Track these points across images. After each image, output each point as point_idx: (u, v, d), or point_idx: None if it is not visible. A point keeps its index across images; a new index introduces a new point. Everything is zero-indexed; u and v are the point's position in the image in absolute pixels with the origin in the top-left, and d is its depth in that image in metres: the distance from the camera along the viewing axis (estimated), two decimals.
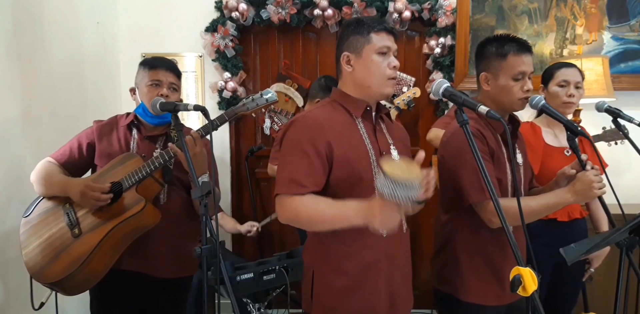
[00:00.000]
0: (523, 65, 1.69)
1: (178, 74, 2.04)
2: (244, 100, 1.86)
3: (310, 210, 1.44)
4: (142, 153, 1.99)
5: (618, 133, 2.83)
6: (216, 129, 1.84)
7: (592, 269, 2.28)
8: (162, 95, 1.93)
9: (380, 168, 1.28)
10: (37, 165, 2.03)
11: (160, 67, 1.98)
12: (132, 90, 2.07)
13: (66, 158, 2.02)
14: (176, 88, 2.01)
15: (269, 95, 1.82)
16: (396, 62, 1.55)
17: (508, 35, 1.76)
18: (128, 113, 2.09)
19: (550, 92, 2.24)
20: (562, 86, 2.21)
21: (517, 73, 1.69)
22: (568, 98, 2.21)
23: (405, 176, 1.21)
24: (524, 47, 1.72)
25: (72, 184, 1.92)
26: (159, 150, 1.99)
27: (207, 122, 1.64)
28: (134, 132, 2.03)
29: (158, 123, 2.01)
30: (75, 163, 2.03)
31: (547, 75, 2.27)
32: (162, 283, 2.00)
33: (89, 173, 2.09)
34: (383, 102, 1.78)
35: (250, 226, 2.98)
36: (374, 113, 1.62)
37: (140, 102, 2.02)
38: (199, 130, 1.86)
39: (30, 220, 1.99)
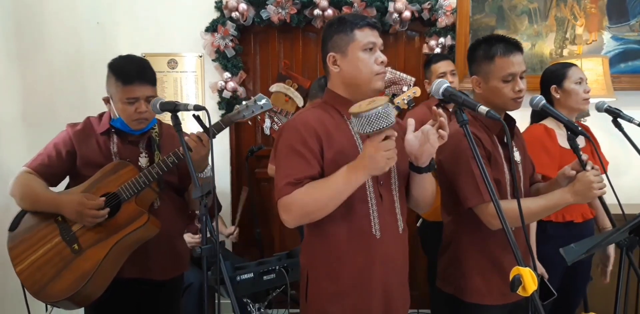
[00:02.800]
0: (512, 67, 1.67)
1: (153, 82, 1.90)
2: (239, 107, 1.82)
3: (312, 192, 1.41)
4: (125, 158, 1.92)
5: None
6: (214, 137, 1.78)
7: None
8: (140, 112, 1.86)
9: (349, 114, 1.35)
10: (16, 177, 1.90)
11: (135, 81, 1.84)
12: (107, 100, 1.95)
13: (45, 168, 1.90)
14: (151, 99, 1.86)
15: (263, 101, 1.79)
16: (383, 57, 1.52)
17: (496, 35, 1.75)
18: (101, 115, 2.00)
19: (568, 91, 2.24)
20: (579, 83, 2.24)
21: (506, 75, 1.68)
22: (586, 94, 2.25)
23: (370, 106, 1.28)
24: (512, 47, 1.69)
25: (63, 202, 1.83)
26: (144, 154, 1.95)
27: (208, 123, 1.61)
28: (114, 137, 1.95)
29: (139, 132, 1.95)
30: (55, 172, 1.92)
31: (558, 76, 2.26)
32: (159, 285, 1.99)
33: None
34: None
35: (232, 229, 3.21)
36: None
37: (116, 114, 1.92)
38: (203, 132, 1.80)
39: (18, 234, 1.89)
